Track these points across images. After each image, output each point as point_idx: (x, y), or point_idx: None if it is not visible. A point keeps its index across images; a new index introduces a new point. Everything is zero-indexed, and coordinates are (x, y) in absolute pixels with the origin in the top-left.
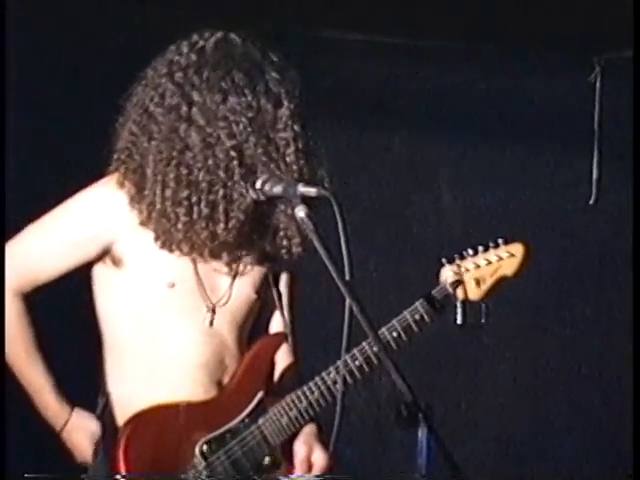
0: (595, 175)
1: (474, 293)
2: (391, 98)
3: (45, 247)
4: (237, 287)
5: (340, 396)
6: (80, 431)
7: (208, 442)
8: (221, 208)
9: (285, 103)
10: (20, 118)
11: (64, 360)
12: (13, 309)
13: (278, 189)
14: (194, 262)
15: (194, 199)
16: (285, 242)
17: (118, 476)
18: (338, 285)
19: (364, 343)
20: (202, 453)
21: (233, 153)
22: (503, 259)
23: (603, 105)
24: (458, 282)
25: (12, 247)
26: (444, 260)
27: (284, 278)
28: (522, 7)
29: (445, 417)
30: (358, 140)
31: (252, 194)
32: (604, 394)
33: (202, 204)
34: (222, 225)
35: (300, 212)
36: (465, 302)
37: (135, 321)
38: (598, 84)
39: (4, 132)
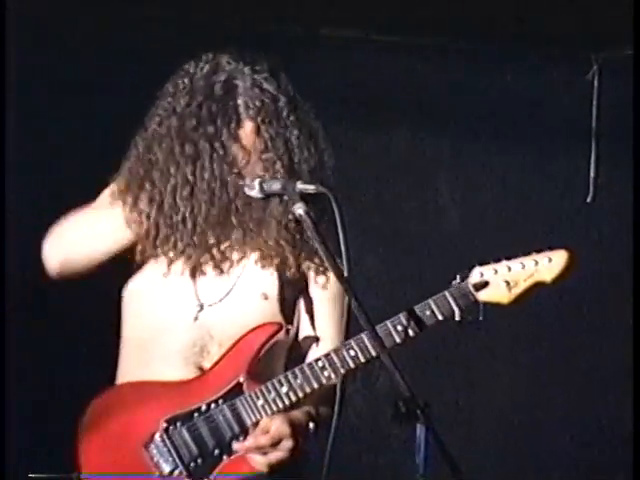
0: (592, 173)
1: (503, 296)
2: (389, 96)
3: (77, 230)
4: (239, 287)
5: (339, 395)
6: None
7: (173, 418)
8: (195, 207)
9: (281, 97)
10: (20, 118)
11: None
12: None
13: (277, 186)
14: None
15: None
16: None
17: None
18: (337, 280)
19: (362, 334)
20: (164, 428)
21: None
22: (539, 263)
23: (600, 103)
24: (483, 283)
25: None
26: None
27: (316, 282)
28: (520, 5)
29: (443, 414)
30: (357, 138)
31: (252, 192)
32: (603, 392)
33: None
34: (201, 219)
35: (299, 209)
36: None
37: (136, 306)
38: (596, 82)
39: (4, 132)
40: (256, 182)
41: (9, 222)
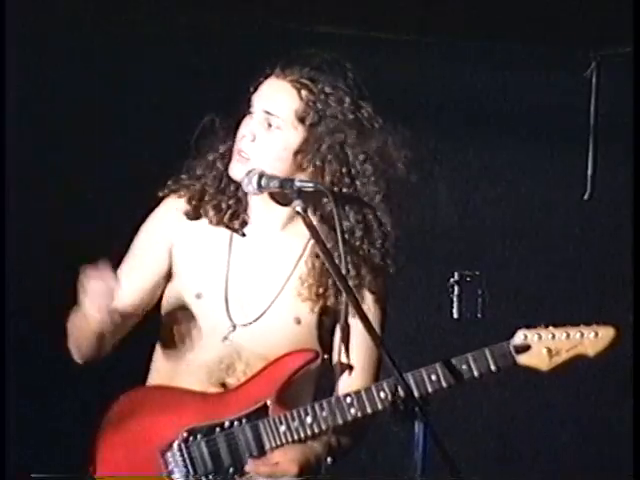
0: (590, 171)
1: (543, 363)
2: (387, 93)
3: (124, 271)
4: (274, 309)
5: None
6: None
7: (194, 429)
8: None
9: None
10: (20, 119)
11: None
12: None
13: (275, 183)
14: (227, 277)
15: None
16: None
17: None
18: (335, 279)
19: (391, 380)
20: (184, 437)
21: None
22: (585, 336)
23: (599, 101)
24: (525, 347)
25: None
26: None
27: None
28: (519, 2)
29: (441, 411)
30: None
31: (249, 188)
32: (603, 391)
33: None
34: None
35: (297, 206)
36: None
37: (170, 329)
38: (594, 80)
39: (4, 132)
40: (254, 178)
41: (9, 222)
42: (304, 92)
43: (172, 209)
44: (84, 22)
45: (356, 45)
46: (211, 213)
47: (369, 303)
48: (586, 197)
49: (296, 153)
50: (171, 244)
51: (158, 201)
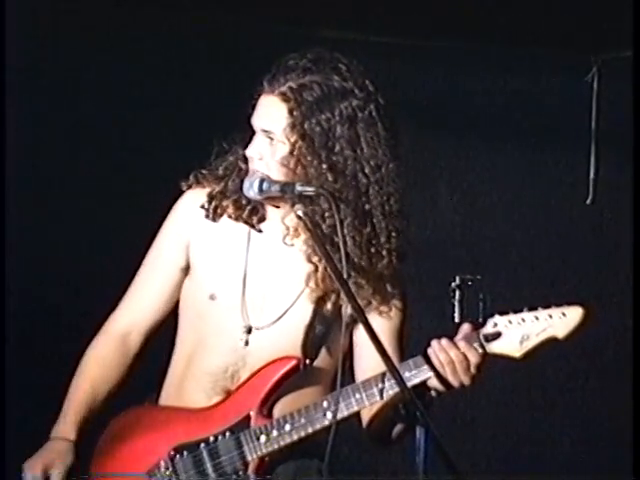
0: (592, 175)
1: (514, 350)
2: (389, 97)
3: (139, 279)
4: (290, 313)
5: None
6: (53, 453)
7: (180, 446)
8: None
9: None
10: (20, 119)
11: None
12: (112, 347)
13: (276, 188)
14: (244, 277)
15: None
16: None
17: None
18: (336, 283)
19: (370, 378)
20: (171, 456)
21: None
22: (553, 318)
23: (600, 105)
24: (495, 334)
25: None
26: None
27: (380, 311)
28: (520, 7)
29: (442, 415)
30: None
31: (250, 193)
32: (604, 392)
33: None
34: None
35: (298, 211)
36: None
37: (184, 330)
38: (595, 84)
39: (4, 132)
40: (255, 182)
41: (9, 223)
42: (292, 104)
43: (192, 203)
44: (93, 25)
45: (358, 48)
46: (231, 209)
47: (383, 309)
48: (588, 201)
49: (300, 164)
50: (188, 240)
51: (178, 195)
